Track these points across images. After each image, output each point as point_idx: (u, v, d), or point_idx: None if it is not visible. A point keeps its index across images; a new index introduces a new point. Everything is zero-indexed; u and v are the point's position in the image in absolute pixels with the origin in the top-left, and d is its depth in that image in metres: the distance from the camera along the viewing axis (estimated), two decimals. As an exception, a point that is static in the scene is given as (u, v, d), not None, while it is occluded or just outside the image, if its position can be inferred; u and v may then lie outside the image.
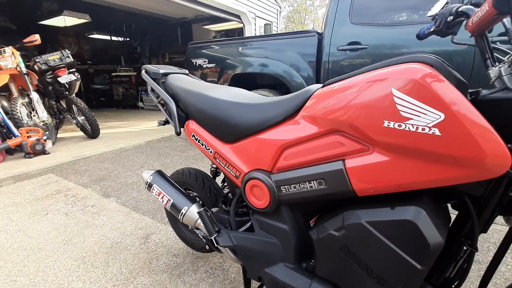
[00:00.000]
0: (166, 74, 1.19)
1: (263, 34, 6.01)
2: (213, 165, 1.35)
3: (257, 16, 7.08)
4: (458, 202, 0.70)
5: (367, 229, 0.67)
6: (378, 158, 0.64)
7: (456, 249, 0.69)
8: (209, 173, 1.37)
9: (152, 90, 1.20)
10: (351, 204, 0.74)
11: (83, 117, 4.09)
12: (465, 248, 0.67)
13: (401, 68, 0.60)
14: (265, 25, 6.11)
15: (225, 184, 1.37)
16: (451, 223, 0.74)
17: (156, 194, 1.09)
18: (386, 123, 0.60)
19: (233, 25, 7.32)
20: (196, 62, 3.43)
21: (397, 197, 0.67)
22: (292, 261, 0.87)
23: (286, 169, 0.81)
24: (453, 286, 0.75)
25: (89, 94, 8.73)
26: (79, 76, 3.93)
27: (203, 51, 3.38)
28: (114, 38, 9.51)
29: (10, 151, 3.35)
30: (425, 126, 0.55)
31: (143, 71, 1.22)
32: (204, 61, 3.35)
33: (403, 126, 0.58)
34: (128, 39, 9.56)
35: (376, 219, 0.67)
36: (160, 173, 1.16)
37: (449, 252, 0.71)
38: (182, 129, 1.08)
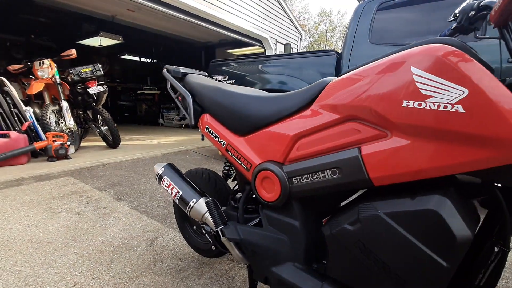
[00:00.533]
0: (185, 74, 1.23)
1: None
2: (225, 167, 1.34)
3: (278, 42, 7.37)
4: (488, 198, 0.64)
5: (385, 221, 0.62)
6: (397, 142, 0.60)
7: (487, 251, 0.62)
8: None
9: (171, 87, 1.24)
10: (367, 198, 0.69)
11: (106, 127, 4.27)
12: (496, 249, 0.60)
13: (420, 48, 0.58)
14: (285, 45, 6.32)
15: (237, 186, 1.34)
16: (480, 224, 0.67)
17: (166, 186, 1.08)
18: (405, 103, 0.57)
19: (255, 49, 7.63)
20: (216, 78, 3.56)
21: (417, 187, 0.62)
22: (302, 261, 0.81)
23: (299, 160, 0.79)
24: None
25: (115, 110, 9.18)
26: (107, 88, 4.16)
27: (223, 68, 3.51)
28: (142, 59, 10.14)
29: (35, 154, 3.51)
30: (447, 103, 0.52)
31: (164, 70, 1.27)
32: (224, 77, 3.46)
33: (423, 105, 0.55)
34: (155, 60, 10.15)
35: (394, 210, 0.61)
36: (171, 166, 1.16)
37: (479, 255, 0.63)
38: (197, 123, 1.09)
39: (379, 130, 0.64)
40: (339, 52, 2.74)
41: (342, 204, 0.87)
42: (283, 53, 6.88)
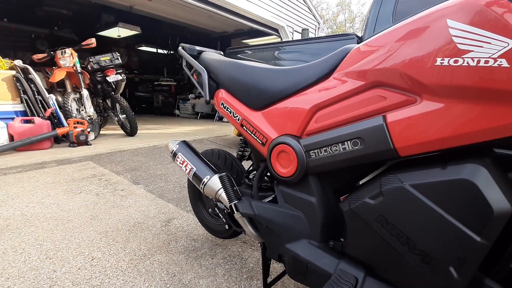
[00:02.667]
0: (200, 51, 1.21)
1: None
2: (240, 148, 1.31)
3: (295, 31, 7.21)
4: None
5: (411, 193, 0.57)
6: (427, 107, 0.55)
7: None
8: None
9: (187, 65, 1.22)
10: (390, 171, 0.64)
11: (124, 116, 4.36)
12: (538, 226, 0.54)
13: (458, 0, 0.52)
14: (303, 29, 6.15)
15: (251, 167, 1.32)
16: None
17: (180, 163, 1.07)
18: (439, 61, 0.51)
19: (271, 39, 7.50)
20: (232, 66, 3.51)
21: (448, 158, 0.57)
22: (318, 238, 0.78)
23: (317, 132, 0.74)
24: None
25: (133, 101, 9.39)
26: (125, 77, 4.23)
27: (239, 55, 3.46)
28: (159, 50, 10.25)
29: (57, 140, 3.65)
30: (488, 57, 0.46)
31: (180, 48, 1.25)
32: (239, 65, 3.42)
33: (460, 61, 0.49)
34: (172, 52, 10.23)
35: (422, 181, 0.56)
36: (185, 143, 1.14)
37: None
38: (211, 100, 1.07)
39: (408, 95, 0.58)
40: (360, 36, 2.63)
41: (361, 182, 0.83)
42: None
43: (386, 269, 0.65)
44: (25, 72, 3.67)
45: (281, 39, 7.15)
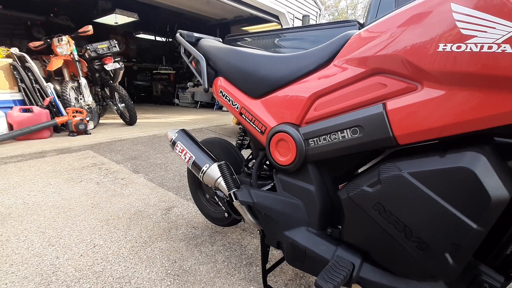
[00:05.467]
0: (199, 38, 1.19)
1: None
2: (239, 137, 1.31)
3: (295, 17, 7.05)
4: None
5: (409, 181, 0.57)
6: (428, 94, 0.54)
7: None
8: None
9: (185, 52, 1.20)
10: (389, 160, 0.64)
11: (123, 105, 4.33)
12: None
13: None
14: (303, 16, 6.02)
15: (250, 156, 1.32)
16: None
17: (179, 152, 1.07)
18: (441, 47, 0.50)
19: (271, 26, 7.36)
20: (231, 54, 3.46)
21: (447, 146, 0.56)
22: (316, 225, 0.79)
23: (316, 120, 0.74)
24: None
25: (132, 90, 9.31)
26: (123, 65, 4.18)
27: (238, 43, 3.40)
28: (158, 38, 10.08)
29: (57, 130, 3.64)
30: (492, 43, 0.45)
31: (177, 34, 1.22)
32: (239, 53, 3.37)
33: (463, 47, 0.48)
34: (170, 39, 10.07)
35: (420, 169, 0.56)
36: (184, 131, 1.14)
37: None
38: (210, 88, 1.06)
39: (408, 82, 0.57)
40: (362, 22, 2.57)
41: (360, 171, 0.83)
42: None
43: (383, 256, 0.66)
44: (22, 60, 3.62)
45: (282, 26, 7.02)
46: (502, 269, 0.60)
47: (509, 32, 0.44)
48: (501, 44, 0.44)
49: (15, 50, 3.62)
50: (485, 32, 0.46)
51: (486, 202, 0.49)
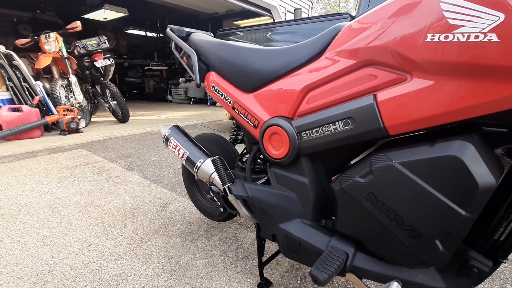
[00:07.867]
0: (189, 33, 1.17)
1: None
2: (233, 132, 1.31)
3: (288, 11, 7.00)
4: (514, 146, 0.59)
5: (400, 171, 0.58)
6: (418, 84, 0.55)
7: (510, 204, 0.58)
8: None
9: (176, 47, 1.18)
10: (380, 150, 0.65)
11: (115, 102, 4.27)
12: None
13: None
14: (295, 9, 5.99)
15: (244, 151, 1.32)
16: (503, 175, 0.63)
17: (172, 148, 1.07)
18: (429, 37, 0.51)
19: (263, 20, 7.30)
20: (223, 49, 3.43)
21: (436, 135, 0.57)
22: (310, 217, 0.80)
23: (309, 113, 0.74)
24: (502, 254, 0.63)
25: (123, 87, 9.17)
26: (113, 61, 4.11)
27: (230, 37, 3.37)
28: (149, 34, 9.92)
29: (47, 128, 3.58)
30: (479, 32, 0.46)
31: (168, 29, 1.21)
32: (231, 47, 3.34)
33: (450, 37, 0.49)
34: (161, 35, 9.92)
35: (410, 159, 0.57)
36: (177, 127, 1.13)
37: (500, 209, 0.59)
38: (202, 83, 1.05)
39: (398, 73, 0.58)
40: (353, 15, 2.57)
41: (352, 162, 0.84)
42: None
43: (375, 244, 0.68)
44: (8, 58, 3.54)
45: (274, 19, 6.96)
46: (491, 254, 0.61)
47: (495, 21, 0.44)
48: (487, 33, 0.45)
49: (1, 48, 3.53)
50: (472, 21, 0.46)
51: (474, 189, 0.51)
